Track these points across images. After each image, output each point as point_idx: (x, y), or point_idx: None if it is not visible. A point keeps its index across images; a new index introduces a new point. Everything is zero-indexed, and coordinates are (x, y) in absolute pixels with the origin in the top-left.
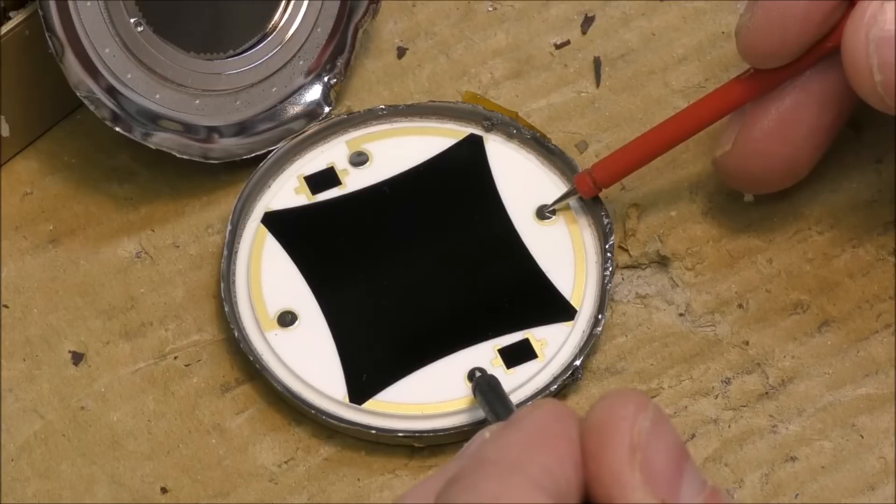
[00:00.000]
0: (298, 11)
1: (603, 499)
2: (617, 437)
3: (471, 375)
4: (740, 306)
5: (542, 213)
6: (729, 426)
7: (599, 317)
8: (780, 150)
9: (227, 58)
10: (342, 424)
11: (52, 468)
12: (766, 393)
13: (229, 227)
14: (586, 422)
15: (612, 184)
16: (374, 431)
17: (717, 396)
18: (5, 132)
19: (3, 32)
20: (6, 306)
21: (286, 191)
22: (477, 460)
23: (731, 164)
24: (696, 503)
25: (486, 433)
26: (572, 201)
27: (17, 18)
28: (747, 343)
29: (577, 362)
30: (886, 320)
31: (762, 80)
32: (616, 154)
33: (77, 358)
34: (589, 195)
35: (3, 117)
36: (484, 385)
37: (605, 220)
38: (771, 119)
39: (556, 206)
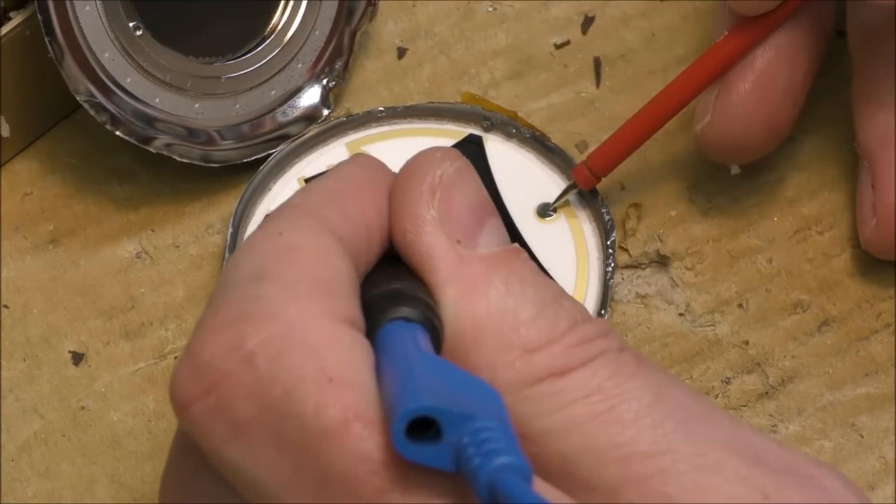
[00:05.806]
0: (296, 14)
1: (399, 236)
2: (418, 177)
3: None
4: (740, 306)
5: (543, 211)
6: None
7: (602, 313)
8: (760, 109)
9: (226, 61)
10: None
11: (52, 468)
12: (766, 393)
13: (230, 231)
14: (399, 171)
15: (609, 171)
16: None
17: (717, 396)
18: (5, 132)
19: (3, 33)
20: (6, 306)
21: (287, 193)
22: (279, 207)
23: (713, 134)
24: (492, 251)
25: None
26: (572, 198)
27: (17, 19)
28: (747, 343)
29: None
30: (886, 320)
31: (741, 40)
32: (610, 140)
33: (77, 358)
34: (588, 186)
35: (3, 117)
36: None
37: (606, 217)
38: (747, 82)
39: (557, 204)
